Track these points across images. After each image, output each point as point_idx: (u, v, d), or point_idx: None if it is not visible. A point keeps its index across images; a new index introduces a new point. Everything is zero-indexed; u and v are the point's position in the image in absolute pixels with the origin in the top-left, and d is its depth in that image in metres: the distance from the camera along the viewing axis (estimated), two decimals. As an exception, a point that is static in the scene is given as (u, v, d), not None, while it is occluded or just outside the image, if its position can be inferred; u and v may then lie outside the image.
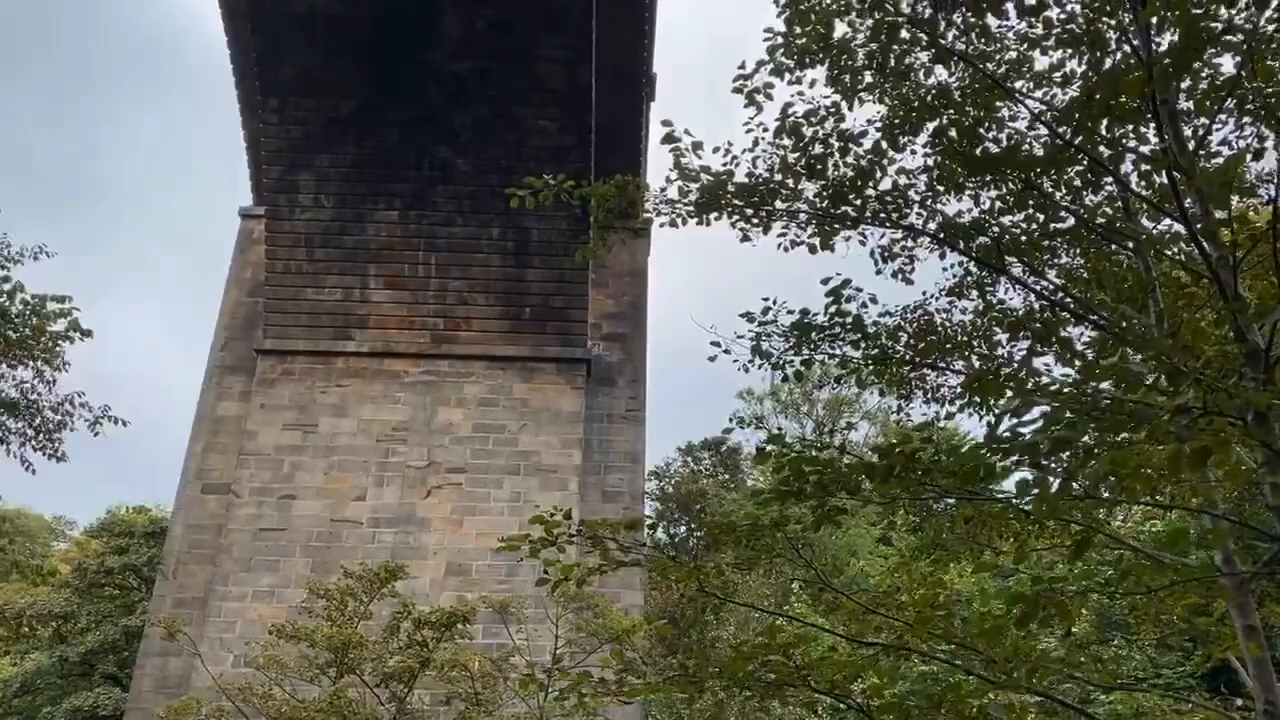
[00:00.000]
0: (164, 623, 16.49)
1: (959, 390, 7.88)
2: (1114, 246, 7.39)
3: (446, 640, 15.33)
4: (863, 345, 6.23)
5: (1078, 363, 6.13)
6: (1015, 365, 6.56)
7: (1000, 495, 5.81)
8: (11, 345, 12.13)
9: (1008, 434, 4.06)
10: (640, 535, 5.54)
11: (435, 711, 16.02)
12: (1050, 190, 6.72)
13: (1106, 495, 4.92)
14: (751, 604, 5.79)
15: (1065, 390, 4.33)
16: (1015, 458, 4.07)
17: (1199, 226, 5.03)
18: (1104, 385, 4.67)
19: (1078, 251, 7.77)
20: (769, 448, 5.06)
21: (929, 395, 8.42)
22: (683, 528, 34.34)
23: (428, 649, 15.10)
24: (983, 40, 6.99)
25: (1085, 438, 4.09)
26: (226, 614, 19.74)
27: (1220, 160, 6.46)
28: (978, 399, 6.99)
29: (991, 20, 6.84)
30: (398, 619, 15.53)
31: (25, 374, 12.69)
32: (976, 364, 7.29)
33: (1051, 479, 4.05)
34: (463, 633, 15.62)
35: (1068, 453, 4.02)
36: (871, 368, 6.78)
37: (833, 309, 6.12)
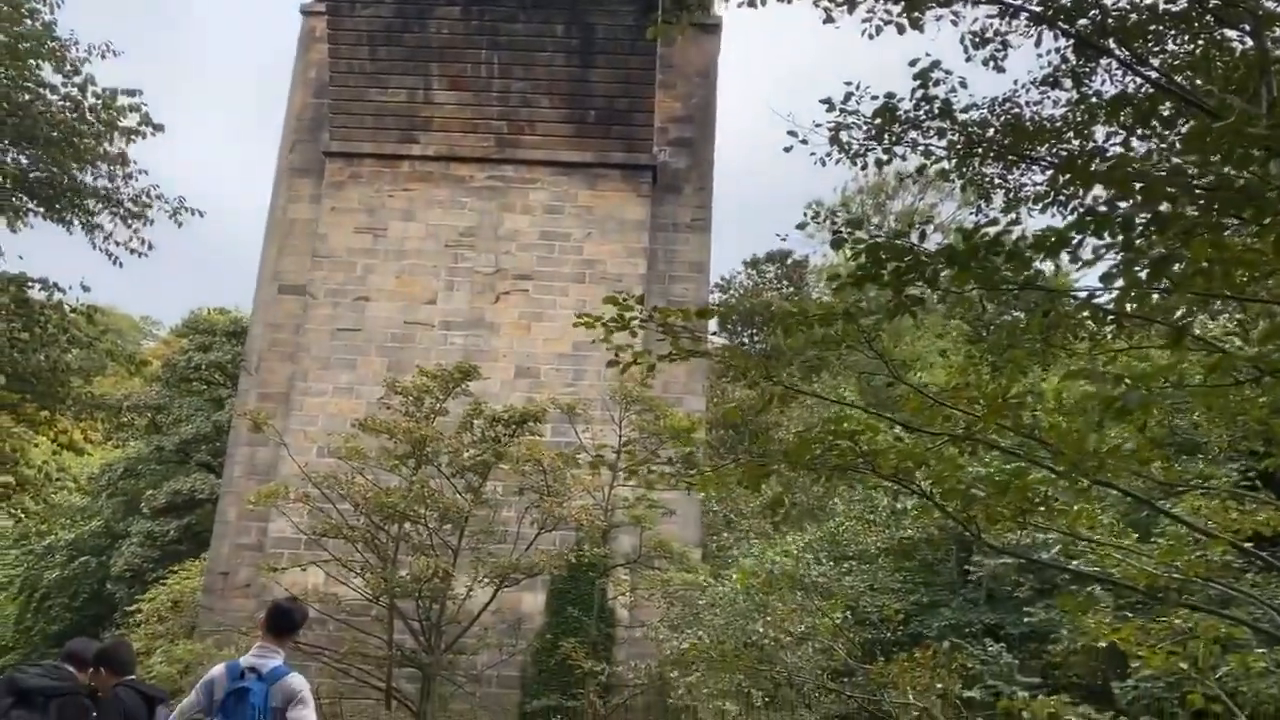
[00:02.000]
0: (251, 415, 17.39)
1: (1044, 188, 7.55)
2: (1226, 31, 6.82)
3: (518, 437, 15.95)
4: (949, 133, 5.92)
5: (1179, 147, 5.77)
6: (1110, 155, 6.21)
7: (1081, 290, 5.65)
8: (87, 138, 12.23)
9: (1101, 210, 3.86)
10: (710, 325, 5.54)
11: (508, 501, 16.87)
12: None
13: (1194, 296, 4.75)
14: (818, 393, 5.82)
15: (1165, 174, 4.08)
16: (1105, 238, 3.90)
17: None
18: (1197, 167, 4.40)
19: (1186, 38, 7.20)
20: (846, 233, 4.94)
21: (1011, 195, 8.09)
22: (745, 341, 34.60)
23: (500, 444, 15.75)
24: None
25: (1184, 219, 3.88)
26: (308, 408, 20.70)
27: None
28: (1065, 194, 6.68)
29: None
30: (471, 416, 16.15)
31: (100, 167, 12.81)
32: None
33: (1143, 261, 3.89)
34: (533, 430, 16.21)
35: (1163, 233, 3.83)
36: (955, 160, 6.48)
37: (919, 93, 5.78)
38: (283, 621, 5.51)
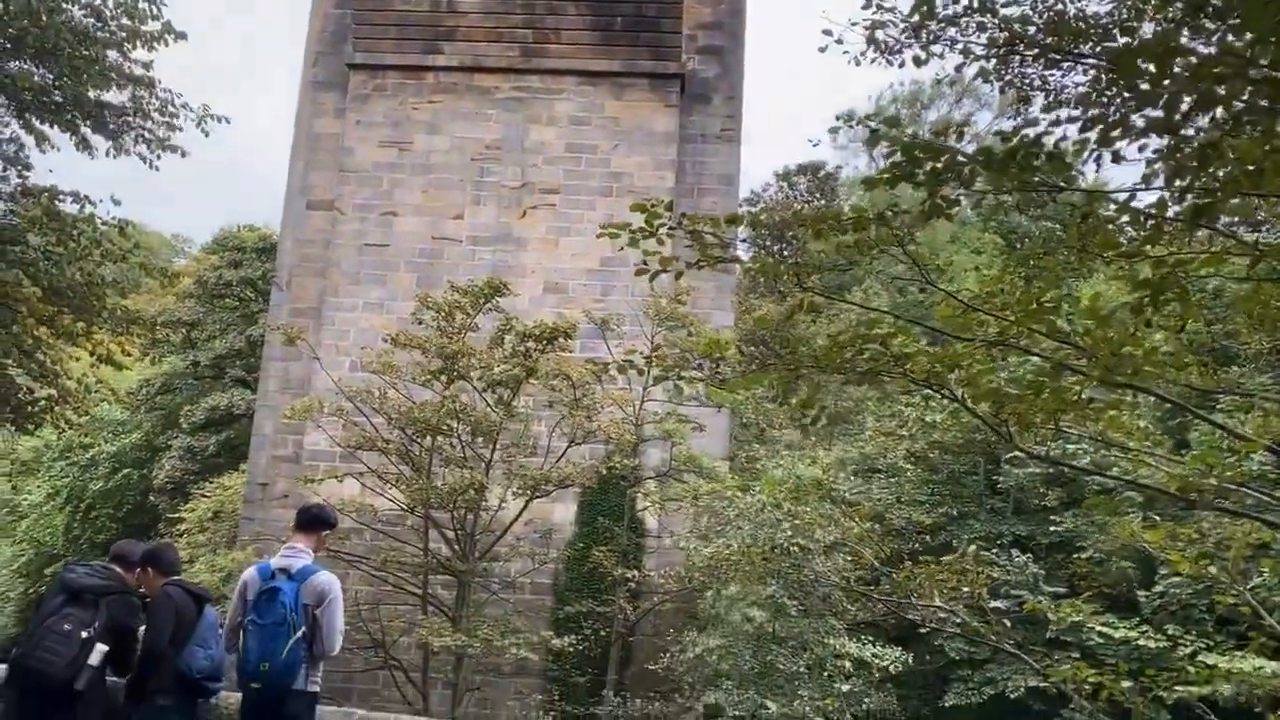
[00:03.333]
0: (283, 330, 17.57)
1: (1085, 89, 7.29)
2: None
3: (548, 352, 16.01)
4: (989, 29, 5.70)
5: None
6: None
7: (1120, 191, 5.50)
8: (109, 47, 12.11)
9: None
10: (739, 231, 5.44)
11: (539, 415, 17.04)
12: None
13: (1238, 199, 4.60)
14: (849, 300, 5.75)
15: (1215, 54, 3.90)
16: (1146, 114, 3.75)
17: None
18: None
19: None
20: (882, 131, 4.81)
21: (1051, 98, 7.83)
22: (775, 257, 34.30)
23: (531, 359, 15.82)
24: None
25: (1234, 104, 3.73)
26: (340, 323, 20.87)
27: None
28: (1107, 95, 6.44)
29: None
30: (501, 332, 16.21)
31: (125, 83, 12.70)
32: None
33: (1187, 150, 3.75)
34: (563, 346, 16.26)
35: (1212, 119, 3.68)
36: (995, 61, 6.25)
37: (959, -15, 5.56)
38: (311, 520, 5.63)
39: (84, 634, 5.40)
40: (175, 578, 5.74)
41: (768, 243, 33.42)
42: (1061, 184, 5.37)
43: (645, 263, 5.37)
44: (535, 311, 19.17)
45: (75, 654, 5.34)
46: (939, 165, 4.91)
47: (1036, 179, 5.21)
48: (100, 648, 5.40)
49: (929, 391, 5.40)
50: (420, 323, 16.36)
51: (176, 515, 24.75)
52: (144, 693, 5.29)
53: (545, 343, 15.90)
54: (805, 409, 5.37)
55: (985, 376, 5.04)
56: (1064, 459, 7.73)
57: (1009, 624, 6.99)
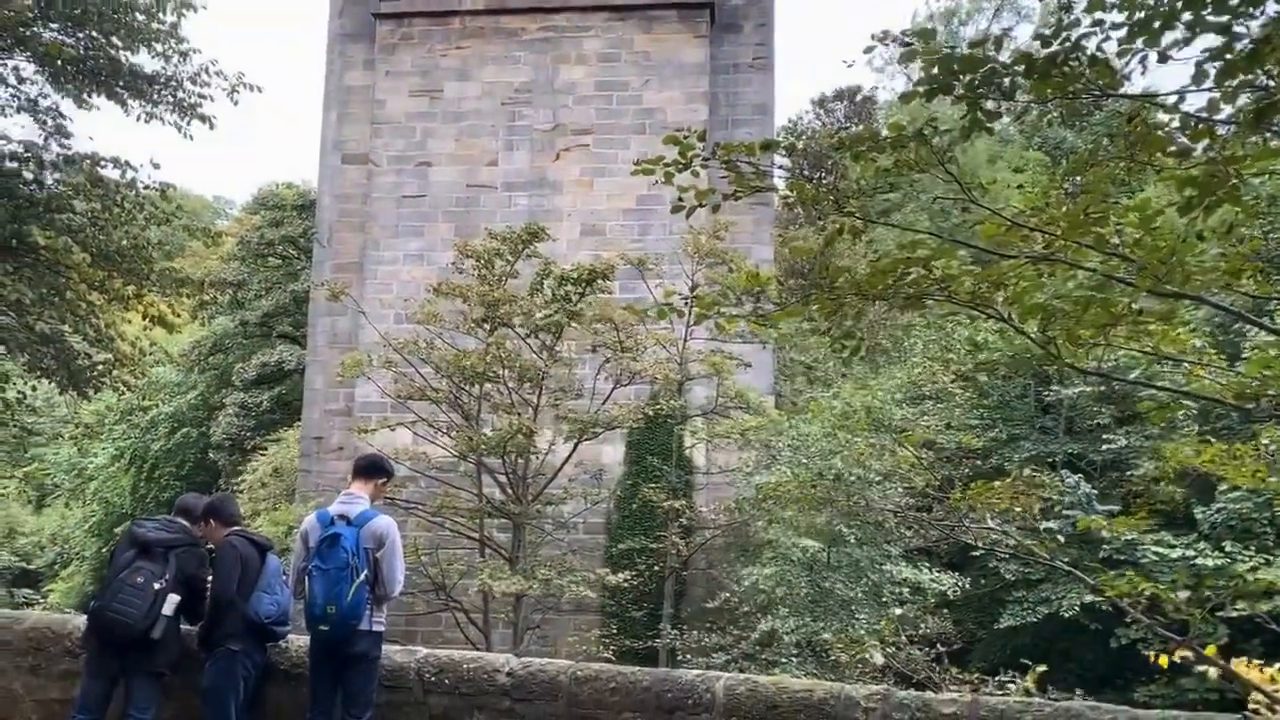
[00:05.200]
0: (328, 285, 17.77)
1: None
2: None
3: (588, 295, 16.03)
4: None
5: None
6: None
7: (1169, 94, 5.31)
8: (138, 12, 12.15)
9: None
10: (775, 158, 5.35)
11: (582, 359, 17.13)
12: None
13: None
14: (890, 222, 5.61)
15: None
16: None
17: None
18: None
19: None
20: (916, 44, 4.67)
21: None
22: (812, 185, 33.72)
23: (571, 303, 15.85)
24: None
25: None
26: (382, 276, 21.04)
27: None
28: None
29: None
30: (541, 277, 16.24)
31: (155, 47, 12.75)
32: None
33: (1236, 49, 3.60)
34: (602, 288, 16.25)
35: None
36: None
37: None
38: (368, 467, 5.74)
39: (156, 585, 5.60)
40: (237, 528, 5.90)
41: (806, 172, 32.91)
42: (1107, 89, 5.20)
43: (681, 198, 5.31)
44: (573, 255, 19.15)
45: (149, 605, 5.55)
46: (977, 77, 4.77)
47: (1080, 85, 5.05)
48: (173, 598, 5.61)
49: (975, 313, 5.32)
50: (460, 272, 16.44)
51: (237, 472, 25.40)
52: (215, 639, 5.47)
53: (584, 286, 15.90)
54: (846, 340, 5.31)
55: (1031, 294, 4.94)
56: (1115, 373, 7.60)
57: (1062, 540, 6.96)
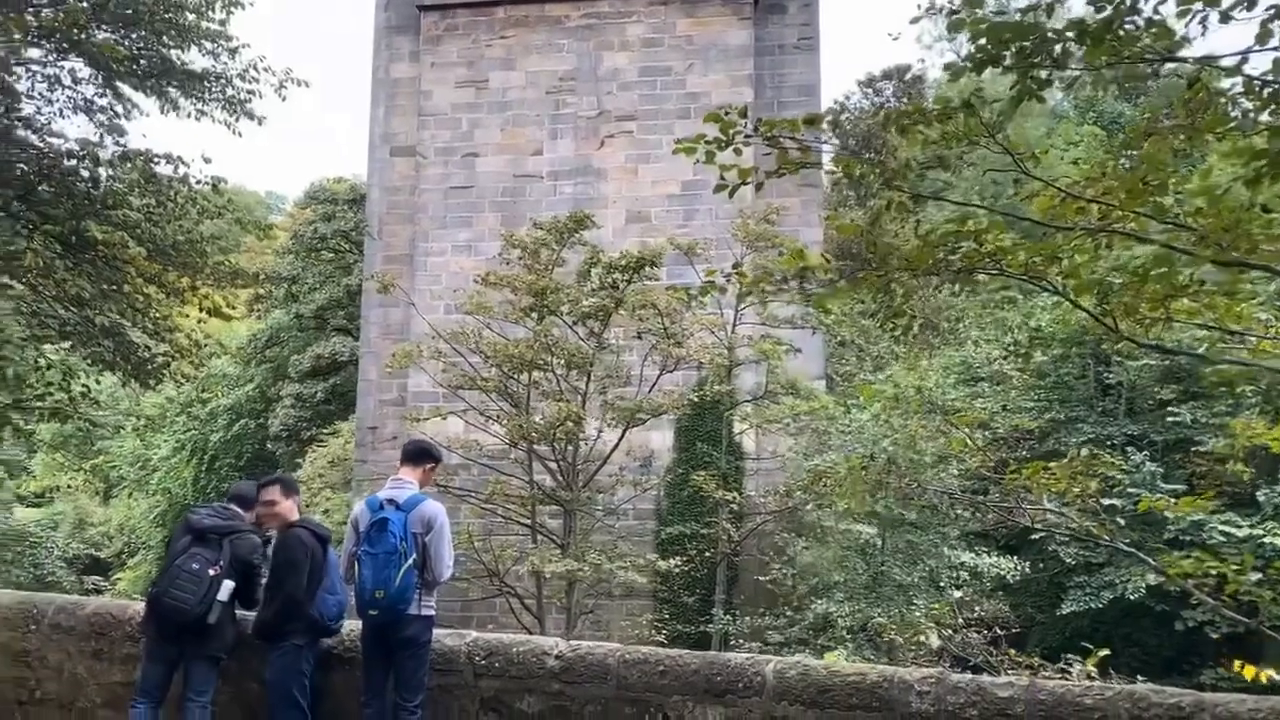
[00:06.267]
0: (378, 278, 17.96)
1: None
2: None
3: (635, 282, 15.99)
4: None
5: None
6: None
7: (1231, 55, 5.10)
8: (187, 11, 12.35)
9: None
10: (820, 133, 5.23)
11: (629, 345, 17.12)
12: None
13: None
14: (940, 196, 5.46)
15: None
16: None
17: None
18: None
19: None
20: (966, 14, 4.53)
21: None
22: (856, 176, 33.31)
23: (618, 290, 15.82)
24: None
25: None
26: (431, 268, 21.22)
27: None
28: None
29: None
30: (588, 264, 16.24)
31: (204, 44, 12.96)
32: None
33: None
34: (650, 275, 16.20)
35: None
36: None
37: None
38: (416, 453, 5.76)
39: (211, 572, 5.69)
40: (302, 519, 5.87)
41: (854, 151, 32.46)
42: (1165, 54, 5.01)
43: (723, 176, 5.23)
44: (619, 242, 19.12)
45: (205, 591, 5.64)
46: (1027, 45, 4.62)
47: (1137, 50, 4.87)
48: (227, 584, 5.69)
49: (1029, 287, 5.17)
50: (507, 262, 16.50)
51: (295, 463, 25.87)
52: (282, 633, 5.46)
53: (632, 272, 15.86)
54: (896, 318, 5.19)
55: (1088, 267, 4.79)
56: (1178, 348, 7.36)
57: (1123, 522, 6.77)
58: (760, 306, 17.69)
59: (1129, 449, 16.31)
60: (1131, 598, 16.02)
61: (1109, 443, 16.46)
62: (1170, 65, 5.57)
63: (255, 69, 13.46)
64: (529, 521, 16.21)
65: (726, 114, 5.16)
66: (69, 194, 12.31)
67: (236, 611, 5.82)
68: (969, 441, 10.13)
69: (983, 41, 4.44)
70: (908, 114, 4.92)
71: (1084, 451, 7.67)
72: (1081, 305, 5.09)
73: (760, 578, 16.50)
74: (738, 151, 5.31)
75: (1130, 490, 12.84)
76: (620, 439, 16.34)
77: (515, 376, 15.97)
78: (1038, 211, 5.23)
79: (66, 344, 13.48)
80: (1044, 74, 4.76)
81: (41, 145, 12.55)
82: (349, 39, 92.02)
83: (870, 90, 33.51)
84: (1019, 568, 14.25)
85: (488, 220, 21.06)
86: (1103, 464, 6.76)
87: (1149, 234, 4.89)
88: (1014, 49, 4.53)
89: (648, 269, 16.00)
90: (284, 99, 13.88)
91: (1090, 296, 4.98)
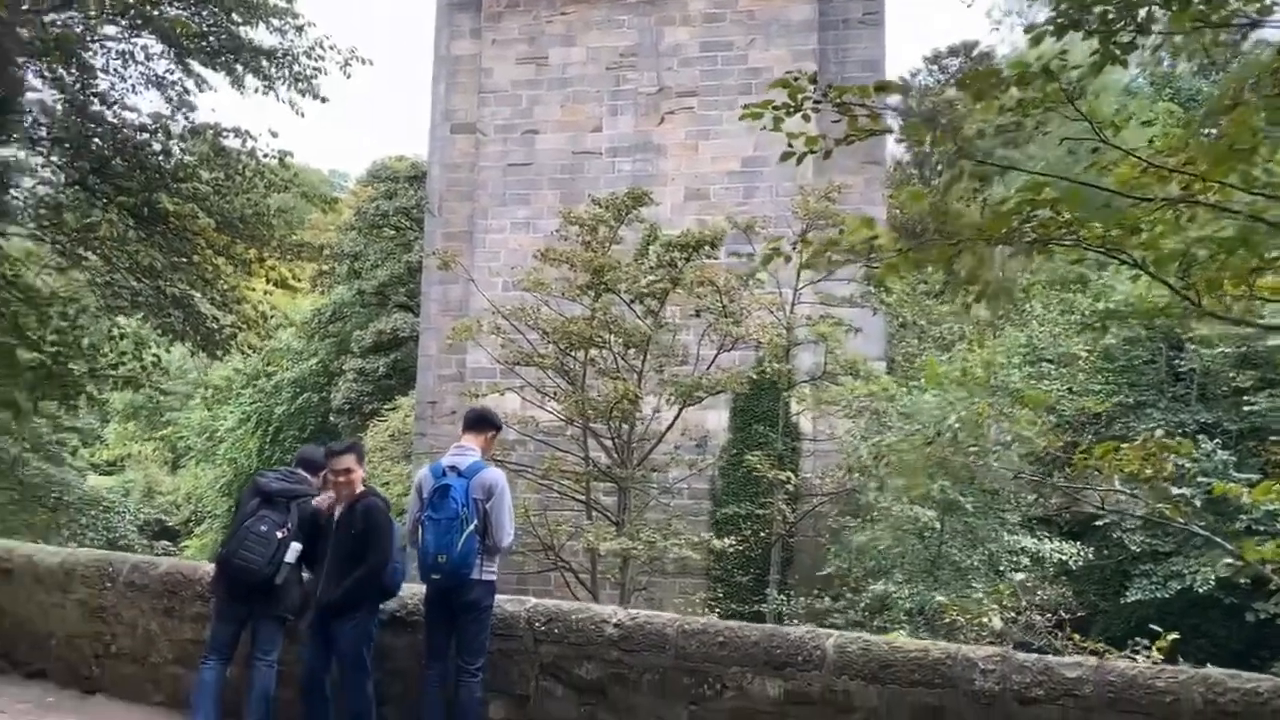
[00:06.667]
0: (439, 255, 18.13)
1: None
2: None
3: (693, 260, 15.91)
4: None
5: None
6: None
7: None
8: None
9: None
10: (891, 99, 5.11)
11: (686, 324, 17.05)
12: None
13: None
14: (1015, 165, 5.26)
15: None
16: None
17: None
18: None
19: None
20: (1045, -29, 4.38)
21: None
22: (926, 144, 32.77)
23: (676, 269, 15.76)
24: None
25: None
26: (490, 245, 21.36)
27: None
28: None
29: None
30: (646, 243, 16.19)
31: (271, 21, 13.15)
32: None
33: None
34: (708, 253, 16.10)
35: None
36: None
37: None
38: (478, 420, 5.80)
39: (279, 534, 5.80)
40: (368, 488, 5.89)
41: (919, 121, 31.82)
42: (1257, 17, 4.80)
43: (790, 144, 5.14)
44: (677, 219, 19.04)
45: (273, 552, 5.76)
46: (1110, 10, 4.46)
47: (1226, 14, 4.67)
48: (294, 546, 5.80)
49: (1106, 259, 5.00)
50: (565, 239, 16.52)
51: (357, 436, 26.34)
52: (357, 601, 5.45)
53: (690, 251, 15.78)
54: (969, 284, 5.06)
55: (1170, 238, 4.62)
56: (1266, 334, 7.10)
57: (1198, 504, 6.56)
58: (818, 287, 17.49)
59: (1200, 437, 15.84)
60: (1200, 590, 15.59)
61: (1180, 430, 15.99)
62: (1258, 33, 5.35)
63: (321, 46, 13.62)
64: (584, 498, 16.30)
65: (795, 79, 5.06)
66: (141, 167, 12.61)
67: (304, 574, 5.93)
68: (1037, 422, 9.91)
69: (1064, 5, 4.29)
70: (985, 76, 4.77)
71: (1159, 432, 7.45)
72: (1161, 278, 4.91)
73: (817, 570, 16.36)
74: (806, 118, 5.22)
75: (1200, 479, 12.47)
76: (676, 418, 16.32)
77: (572, 354, 16.02)
78: (1117, 182, 5.05)
79: (139, 314, 13.84)
80: (1126, 38, 4.59)
81: (115, 120, 12.86)
82: (408, 18, 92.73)
83: (936, 67, 32.86)
84: (1082, 554, 13.95)
85: (546, 197, 21.11)
86: (1178, 446, 6.55)
87: (1234, 204, 4.70)
88: (1097, 12, 4.38)
89: (707, 248, 15.91)
90: (349, 77, 14.06)
91: (1172, 270, 4.80)
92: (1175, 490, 6.93)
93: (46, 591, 7.05)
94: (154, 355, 14.03)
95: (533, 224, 21.00)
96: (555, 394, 16.03)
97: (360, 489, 5.71)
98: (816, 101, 5.02)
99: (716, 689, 5.00)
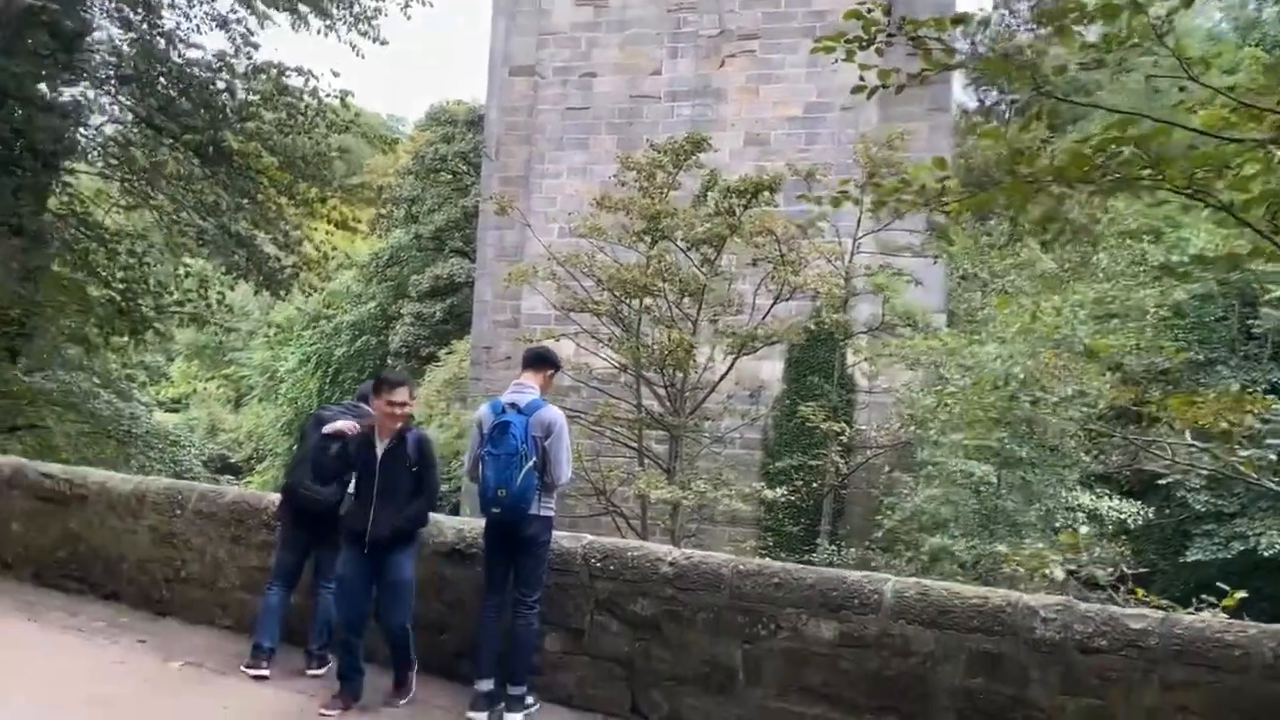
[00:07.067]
0: (495, 199, 18.11)
1: None
2: None
3: (751, 207, 15.69)
4: None
5: None
6: None
7: None
8: None
9: None
10: (969, 32, 4.94)
11: (743, 273, 16.87)
12: None
13: None
14: (1096, 104, 5.02)
15: None
16: None
17: None
18: None
19: None
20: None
21: None
22: (995, 91, 31.83)
23: (734, 216, 15.56)
24: None
25: None
26: (547, 190, 21.30)
27: None
28: None
29: None
30: (705, 189, 15.99)
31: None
32: None
33: None
34: (767, 200, 15.86)
35: None
36: None
37: None
38: (536, 358, 5.80)
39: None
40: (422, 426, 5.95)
41: (988, 82, 30.92)
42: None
43: (861, 77, 4.99)
44: (736, 165, 18.75)
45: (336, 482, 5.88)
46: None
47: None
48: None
49: (1191, 202, 4.80)
50: (622, 184, 16.38)
51: (416, 382, 26.76)
52: (410, 532, 5.51)
53: (749, 197, 15.56)
54: (1048, 223, 4.89)
55: (1262, 179, 4.40)
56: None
57: (1274, 458, 6.35)
58: (879, 236, 17.15)
59: (1270, 396, 15.36)
60: (1265, 553, 15.24)
61: (1251, 389, 15.52)
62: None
63: (380, -15, 13.57)
64: (636, 445, 16.36)
65: (870, 10, 4.90)
66: (207, 106, 12.75)
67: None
68: (1101, 375, 9.64)
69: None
70: (1067, 10, 4.57)
71: (1235, 386, 7.20)
72: (1249, 222, 4.70)
73: (870, 520, 16.27)
74: (880, 52, 5.06)
75: (1270, 442, 12.10)
76: (730, 367, 16.25)
77: (627, 301, 15.97)
78: (1203, 124, 4.83)
79: (204, 253, 14.09)
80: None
81: (181, 59, 12.99)
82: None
83: (1007, 11, 31.80)
84: (1142, 513, 13.69)
85: (604, 142, 20.94)
86: (1256, 401, 6.33)
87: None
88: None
89: (765, 195, 15.67)
90: (409, 18, 13.99)
91: (1260, 215, 4.59)
92: (1245, 451, 6.72)
93: (119, 518, 7.29)
94: (219, 293, 14.29)
95: (589, 169, 20.88)
96: (609, 341, 16.03)
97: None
98: (890, 34, 4.87)
99: (771, 629, 5.00)
